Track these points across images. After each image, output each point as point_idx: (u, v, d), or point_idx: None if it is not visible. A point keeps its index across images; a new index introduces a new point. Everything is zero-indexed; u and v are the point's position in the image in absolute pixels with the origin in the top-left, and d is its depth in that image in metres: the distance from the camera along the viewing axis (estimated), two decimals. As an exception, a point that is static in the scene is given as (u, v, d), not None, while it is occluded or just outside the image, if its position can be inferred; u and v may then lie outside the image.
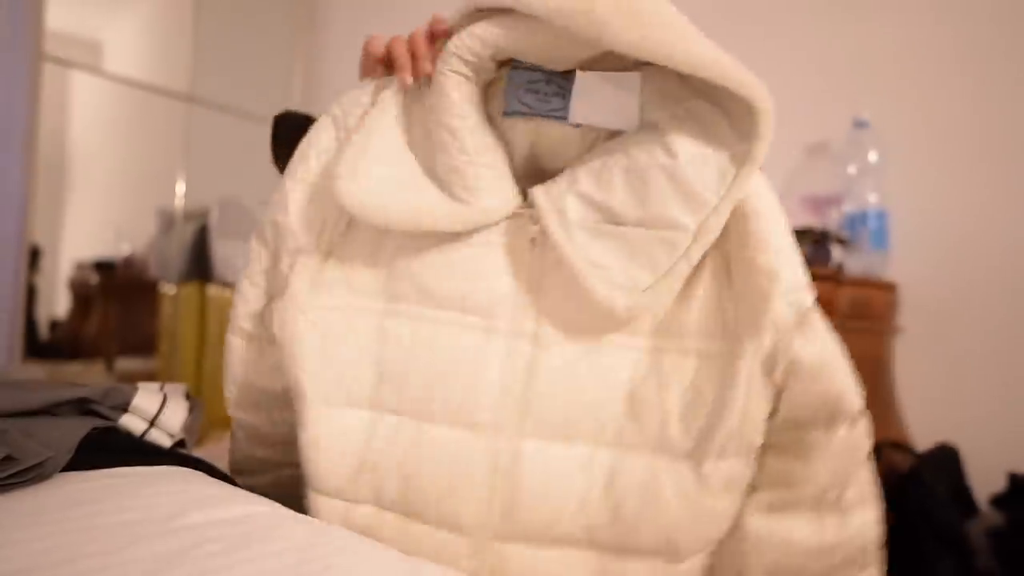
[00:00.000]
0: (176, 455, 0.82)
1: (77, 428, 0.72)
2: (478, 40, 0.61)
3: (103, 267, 3.17)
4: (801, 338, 0.60)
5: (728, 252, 0.63)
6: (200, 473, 0.77)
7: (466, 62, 0.63)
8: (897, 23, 1.64)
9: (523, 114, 0.65)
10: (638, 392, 0.63)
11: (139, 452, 0.78)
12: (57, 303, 3.11)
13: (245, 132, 3.14)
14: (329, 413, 0.65)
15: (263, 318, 0.73)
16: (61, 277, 3.16)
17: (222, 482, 0.76)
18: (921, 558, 1.19)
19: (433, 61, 0.65)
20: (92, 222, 3.33)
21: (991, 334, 1.49)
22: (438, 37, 0.66)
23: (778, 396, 0.61)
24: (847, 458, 0.62)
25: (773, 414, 0.62)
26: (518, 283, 0.65)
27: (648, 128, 0.62)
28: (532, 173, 0.69)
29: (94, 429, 0.74)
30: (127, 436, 0.80)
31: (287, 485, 0.77)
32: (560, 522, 0.62)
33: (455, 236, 0.66)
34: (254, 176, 3.27)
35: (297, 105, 3.27)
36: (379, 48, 0.70)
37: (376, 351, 0.66)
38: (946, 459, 1.32)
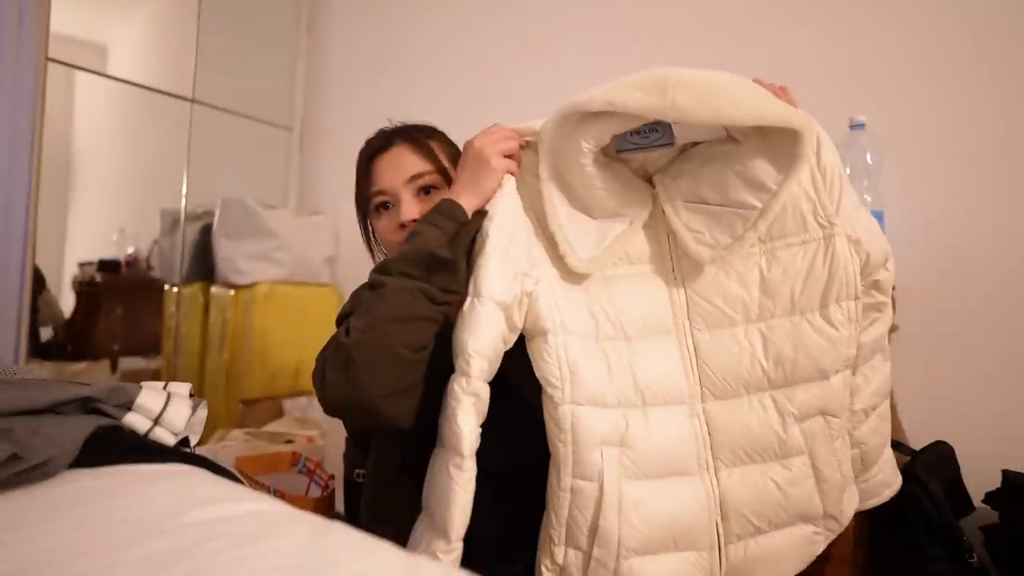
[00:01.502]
0: (180, 453, 0.83)
1: (82, 426, 0.73)
2: (598, 139, 0.89)
3: (107, 267, 3.17)
4: (864, 219, 0.95)
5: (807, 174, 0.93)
6: (203, 471, 0.79)
7: (592, 151, 0.90)
8: (893, 26, 1.65)
9: (634, 150, 0.95)
10: (768, 278, 0.95)
11: (143, 450, 0.79)
12: (62, 303, 3.12)
13: (248, 133, 3.16)
14: (578, 343, 0.91)
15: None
16: (65, 277, 3.17)
17: (225, 480, 0.78)
18: (916, 554, 1.20)
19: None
20: (96, 222, 3.34)
21: (986, 333, 1.50)
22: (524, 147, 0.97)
23: (865, 258, 0.93)
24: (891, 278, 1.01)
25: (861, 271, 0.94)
26: (664, 243, 0.99)
27: (726, 139, 0.92)
28: (643, 176, 1.01)
29: (99, 427, 0.75)
30: (131, 434, 0.81)
31: None
32: (740, 378, 0.94)
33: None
34: (256, 177, 3.30)
35: (299, 105, 3.29)
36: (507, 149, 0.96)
37: (587, 301, 0.95)
38: (941, 457, 1.32)
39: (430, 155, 1.08)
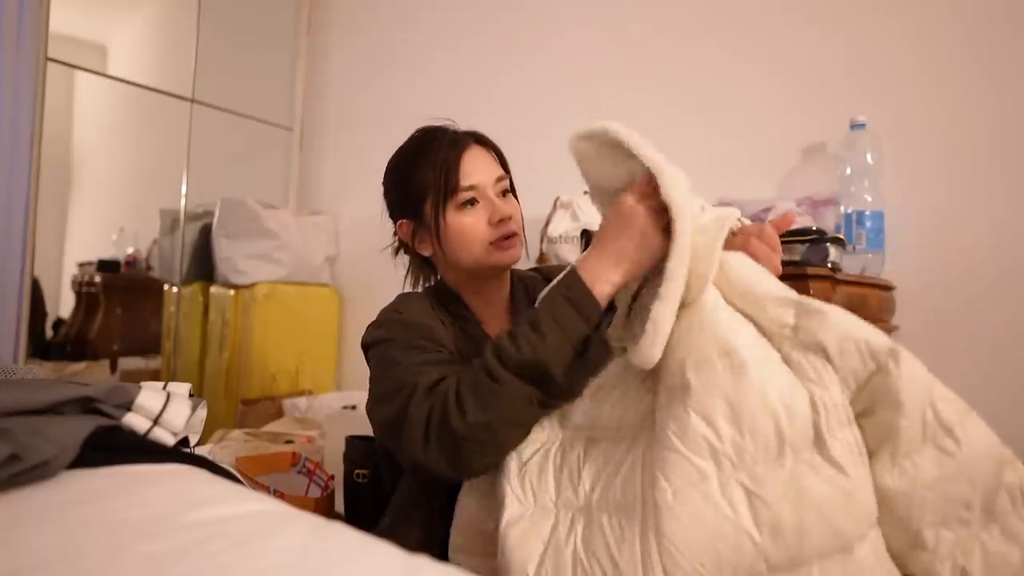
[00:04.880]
0: (179, 453, 0.83)
1: (81, 426, 0.73)
2: None
3: (107, 267, 3.18)
4: (812, 322, 0.70)
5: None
6: (203, 471, 0.78)
7: None
8: (893, 26, 1.65)
9: None
10: (736, 403, 0.68)
11: (143, 450, 0.78)
12: (61, 303, 3.12)
13: (248, 133, 3.16)
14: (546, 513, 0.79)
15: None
16: (65, 277, 3.17)
17: (225, 480, 0.77)
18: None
19: None
20: (96, 222, 3.34)
21: (986, 333, 1.49)
22: None
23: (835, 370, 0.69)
24: (916, 384, 0.67)
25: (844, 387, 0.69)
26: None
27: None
28: None
29: (98, 427, 0.75)
30: (131, 434, 0.81)
31: None
32: (723, 561, 0.64)
33: None
34: (256, 177, 3.29)
35: (299, 105, 3.28)
36: None
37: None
38: (942, 458, 1.32)
39: (502, 159, 1.10)
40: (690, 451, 0.67)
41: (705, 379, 0.69)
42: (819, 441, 0.66)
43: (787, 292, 0.75)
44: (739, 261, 0.78)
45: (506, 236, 1.03)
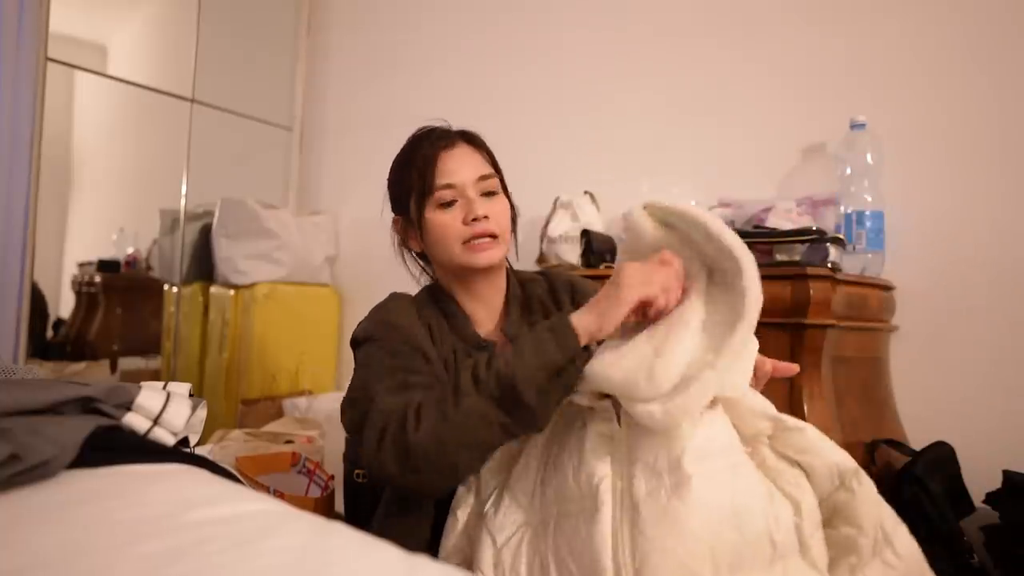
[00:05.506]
0: (179, 453, 0.83)
1: (81, 426, 0.73)
2: None
3: (107, 267, 3.18)
4: (788, 437, 0.75)
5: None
6: (203, 471, 0.78)
7: None
8: (893, 27, 1.65)
9: None
10: (740, 504, 0.67)
11: (143, 450, 0.79)
12: (61, 303, 3.12)
13: (248, 133, 3.16)
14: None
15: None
16: (65, 278, 3.17)
17: (225, 480, 0.77)
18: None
19: None
20: (96, 223, 3.34)
21: (986, 333, 1.50)
22: None
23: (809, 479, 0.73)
24: (873, 504, 0.72)
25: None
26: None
27: None
28: None
29: (98, 427, 0.75)
30: (131, 434, 0.81)
31: None
32: None
33: None
34: (256, 177, 3.29)
35: (299, 105, 3.28)
36: None
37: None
38: (942, 457, 1.32)
39: (492, 159, 1.10)
40: (688, 554, 0.65)
41: (707, 475, 0.68)
42: (803, 547, 0.69)
43: (769, 408, 0.77)
44: None
45: (479, 236, 1.02)
